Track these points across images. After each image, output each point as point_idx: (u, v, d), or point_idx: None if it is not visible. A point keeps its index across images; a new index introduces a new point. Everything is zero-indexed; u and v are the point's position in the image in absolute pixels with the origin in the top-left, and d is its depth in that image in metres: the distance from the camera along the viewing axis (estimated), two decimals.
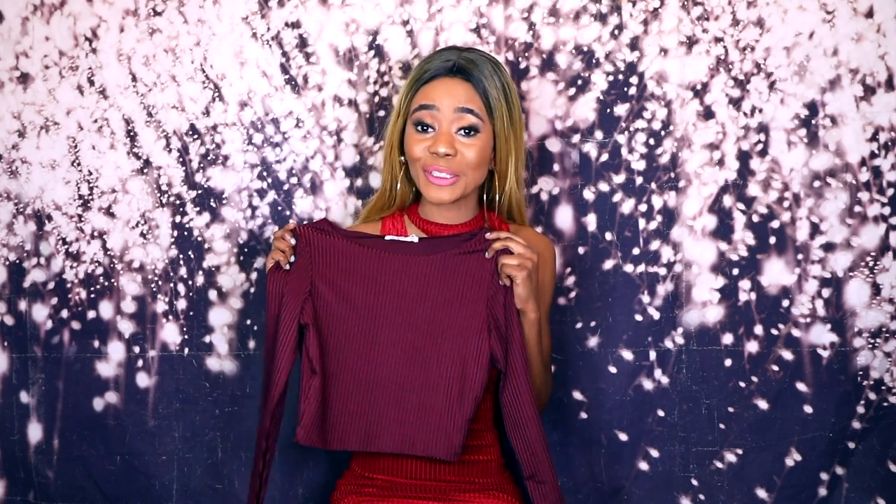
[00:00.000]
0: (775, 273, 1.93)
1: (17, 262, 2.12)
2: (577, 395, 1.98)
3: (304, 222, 1.78)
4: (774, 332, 1.93)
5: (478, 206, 1.80)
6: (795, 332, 1.93)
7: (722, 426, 1.94)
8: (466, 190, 1.71)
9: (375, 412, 1.68)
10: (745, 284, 1.94)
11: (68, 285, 2.10)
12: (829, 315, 1.92)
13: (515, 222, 1.83)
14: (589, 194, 1.97)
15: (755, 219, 1.93)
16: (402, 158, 1.77)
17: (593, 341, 1.98)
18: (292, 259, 1.70)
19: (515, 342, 1.62)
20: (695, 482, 1.95)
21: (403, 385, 1.68)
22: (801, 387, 1.92)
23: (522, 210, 1.82)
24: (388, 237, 1.70)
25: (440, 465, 1.71)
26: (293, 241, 1.70)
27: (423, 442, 1.66)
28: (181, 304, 2.07)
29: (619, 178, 1.97)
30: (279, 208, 2.05)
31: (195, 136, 2.07)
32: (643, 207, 1.96)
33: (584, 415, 1.98)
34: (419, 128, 1.69)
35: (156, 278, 2.08)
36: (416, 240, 1.67)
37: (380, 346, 1.68)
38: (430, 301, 1.67)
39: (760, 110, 1.94)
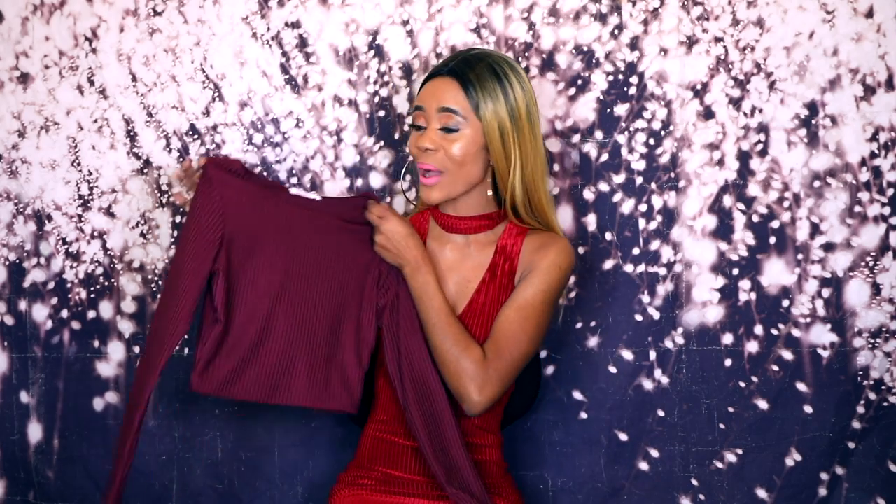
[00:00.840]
0: (775, 273, 1.93)
1: (17, 262, 2.13)
2: (577, 395, 1.98)
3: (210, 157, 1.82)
4: (774, 332, 1.93)
5: (493, 202, 1.78)
6: (795, 332, 1.92)
7: (722, 426, 1.94)
8: (454, 187, 1.72)
9: (283, 364, 1.70)
10: (745, 284, 1.93)
11: (68, 285, 2.10)
12: (829, 315, 1.92)
13: (531, 225, 1.78)
14: (589, 194, 1.97)
15: (755, 219, 1.93)
16: None
17: (593, 341, 1.98)
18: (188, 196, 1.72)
19: (404, 312, 1.71)
20: (695, 482, 1.95)
21: (310, 339, 1.71)
22: (801, 387, 1.92)
23: (544, 211, 1.77)
24: (292, 190, 1.75)
25: None
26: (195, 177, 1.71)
27: (328, 395, 1.71)
28: None
29: (619, 178, 1.97)
30: None
31: (195, 136, 2.07)
32: (643, 207, 1.96)
33: (584, 415, 1.98)
34: (414, 128, 1.74)
35: (156, 278, 2.08)
36: (318, 198, 1.74)
37: (288, 299, 1.71)
38: (331, 256, 1.72)
39: (760, 110, 1.93)
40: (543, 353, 1.97)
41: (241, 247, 1.68)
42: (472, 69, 1.70)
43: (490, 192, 1.76)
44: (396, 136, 2.03)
